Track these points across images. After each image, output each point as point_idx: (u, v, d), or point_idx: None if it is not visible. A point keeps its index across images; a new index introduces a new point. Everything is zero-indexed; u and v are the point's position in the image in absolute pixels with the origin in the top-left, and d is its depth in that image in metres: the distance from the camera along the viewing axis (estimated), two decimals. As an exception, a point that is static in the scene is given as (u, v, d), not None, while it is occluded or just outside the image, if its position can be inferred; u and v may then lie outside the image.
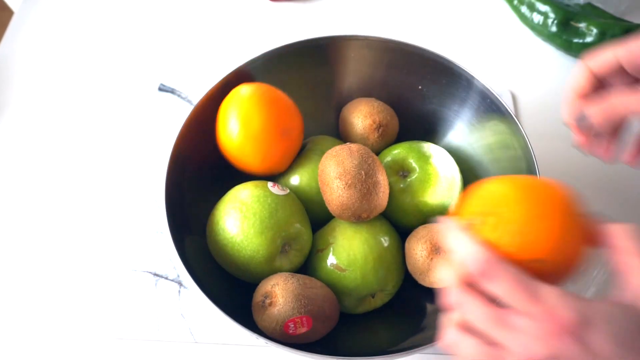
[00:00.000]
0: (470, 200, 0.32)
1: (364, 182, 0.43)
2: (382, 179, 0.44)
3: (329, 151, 0.45)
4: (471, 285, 0.29)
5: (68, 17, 0.73)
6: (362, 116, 0.51)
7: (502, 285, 0.27)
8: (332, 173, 0.43)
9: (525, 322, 0.26)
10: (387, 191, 0.45)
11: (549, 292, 0.26)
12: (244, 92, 0.47)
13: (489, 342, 0.28)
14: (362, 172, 0.43)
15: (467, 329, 0.29)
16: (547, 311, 0.26)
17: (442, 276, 0.30)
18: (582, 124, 0.37)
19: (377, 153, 0.52)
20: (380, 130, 0.51)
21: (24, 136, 0.62)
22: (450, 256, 0.30)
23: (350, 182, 0.42)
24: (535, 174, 0.44)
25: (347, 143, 0.46)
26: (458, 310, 0.29)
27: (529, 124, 0.62)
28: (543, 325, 0.26)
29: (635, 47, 0.35)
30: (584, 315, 0.25)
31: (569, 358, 0.25)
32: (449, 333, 0.30)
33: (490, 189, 0.31)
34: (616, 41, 0.36)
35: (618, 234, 0.29)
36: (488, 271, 0.27)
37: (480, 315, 0.28)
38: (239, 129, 0.46)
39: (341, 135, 0.54)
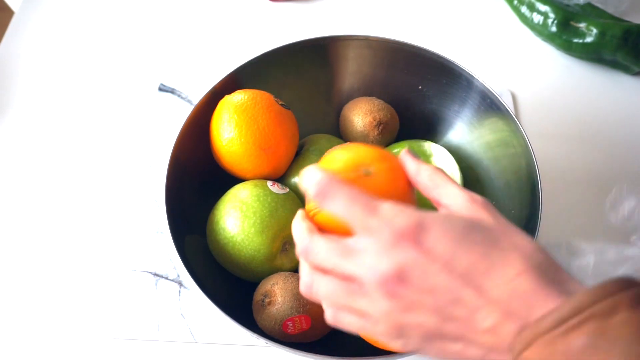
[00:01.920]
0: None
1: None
2: None
3: (330, 154, 0.45)
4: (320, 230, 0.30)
5: (68, 17, 0.73)
6: (362, 114, 0.51)
7: (340, 201, 0.28)
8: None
9: (366, 241, 0.27)
10: None
11: (385, 205, 0.27)
12: (227, 109, 0.46)
13: (343, 277, 0.28)
14: None
15: (322, 270, 0.29)
16: (384, 222, 0.27)
17: (293, 226, 0.31)
18: None
19: (378, 151, 0.52)
20: (380, 127, 0.51)
21: (24, 136, 0.62)
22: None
23: None
24: (535, 172, 0.44)
25: (348, 144, 0.46)
26: (307, 255, 0.30)
27: (528, 123, 0.62)
28: (382, 237, 0.27)
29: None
30: (417, 221, 0.27)
31: (413, 264, 0.26)
32: (302, 276, 0.30)
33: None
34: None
35: (409, 168, 0.32)
36: (326, 190, 0.28)
37: (325, 253, 0.29)
38: (224, 149, 0.46)
39: (341, 133, 0.54)
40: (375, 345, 0.39)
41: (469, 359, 0.27)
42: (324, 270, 0.29)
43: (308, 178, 0.29)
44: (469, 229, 0.27)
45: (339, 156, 0.33)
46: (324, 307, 0.30)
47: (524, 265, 0.26)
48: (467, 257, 0.26)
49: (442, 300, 0.26)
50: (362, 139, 0.51)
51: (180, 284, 0.51)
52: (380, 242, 0.27)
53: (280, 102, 0.48)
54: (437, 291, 0.26)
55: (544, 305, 0.25)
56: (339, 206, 0.28)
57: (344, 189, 0.28)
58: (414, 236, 0.26)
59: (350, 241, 0.28)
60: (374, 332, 0.29)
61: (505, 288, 0.25)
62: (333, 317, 0.30)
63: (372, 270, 0.27)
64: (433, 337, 0.27)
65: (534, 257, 0.26)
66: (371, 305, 0.28)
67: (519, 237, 0.27)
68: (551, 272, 0.26)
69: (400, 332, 0.28)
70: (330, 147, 0.48)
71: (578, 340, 0.23)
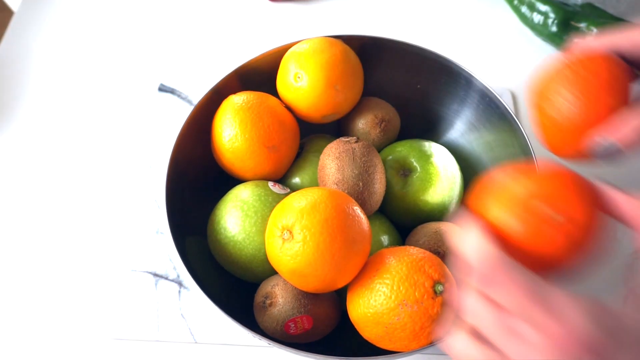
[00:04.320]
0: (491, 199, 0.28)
1: (360, 194, 0.43)
2: (379, 187, 0.44)
3: (334, 148, 0.45)
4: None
5: (68, 17, 0.73)
6: (364, 111, 0.51)
7: (506, 294, 0.23)
8: (331, 177, 0.43)
9: (532, 333, 0.23)
10: (381, 198, 0.45)
11: (563, 303, 0.22)
12: (232, 106, 0.46)
13: (493, 347, 0.25)
14: (360, 184, 0.43)
15: (474, 332, 0.26)
16: (561, 322, 0.22)
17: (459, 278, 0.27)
18: (607, 152, 0.30)
19: (379, 150, 0.52)
20: (382, 125, 0.51)
21: (24, 136, 0.62)
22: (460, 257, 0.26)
23: (346, 191, 0.42)
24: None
25: (351, 139, 0.45)
26: (467, 315, 0.26)
27: (528, 123, 0.62)
28: (554, 338, 0.22)
29: (636, 36, 0.32)
30: (609, 332, 0.21)
31: None
32: (455, 337, 0.27)
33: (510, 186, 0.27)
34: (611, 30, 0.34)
35: (621, 199, 0.25)
36: (489, 276, 0.24)
37: (488, 323, 0.25)
38: (226, 146, 0.46)
39: (342, 133, 0.54)
40: (378, 345, 0.39)
41: None
42: (475, 332, 0.26)
43: (471, 249, 0.25)
44: None
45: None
46: None
47: None
48: None
49: None
50: (364, 137, 0.51)
51: (180, 284, 0.51)
52: (552, 344, 0.22)
53: (284, 104, 0.49)
54: None
55: None
56: (503, 298, 0.24)
57: (509, 280, 0.23)
58: (603, 352, 0.21)
59: (516, 323, 0.24)
60: None
61: None
62: None
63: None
64: None
65: None
66: None
67: None
68: None
69: None
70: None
71: None
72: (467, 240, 0.25)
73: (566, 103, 0.29)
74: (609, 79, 0.29)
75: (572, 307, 0.22)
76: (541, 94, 0.32)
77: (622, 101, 0.29)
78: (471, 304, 0.25)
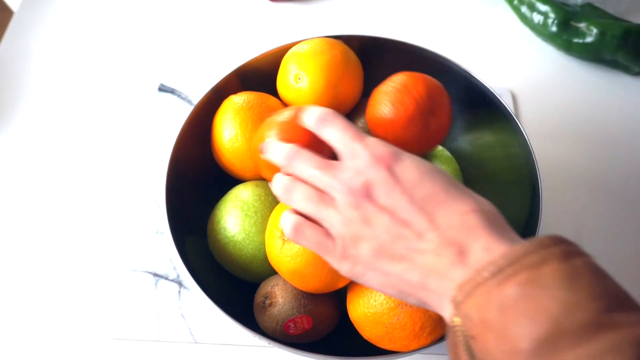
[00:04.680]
0: None
1: None
2: None
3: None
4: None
5: (68, 17, 0.73)
6: (364, 112, 0.51)
7: (336, 127, 0.33)
8: None
9: (348, 163, 0.32)
10: None
11: (371, 137, 0.33)
12: (233, 107, 0.46)
13: (317, 189, 0.33)
14: None
15: (299, 179, 0.34)
16: (367, 148, 0.32)
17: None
18: None
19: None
20: None
21: (23, 136, 0.62)
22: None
23: None
24: (535, 172, 0.44)
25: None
26: (291, 161, 0.34)
27: (528, 124, 0.62)
28: (362, 159, 0.31)
29: None
30: (394, 152, 0.32)
31: (380, 183, 0.31)
32: (282, 180, 0.34)
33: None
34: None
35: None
36: (326, 117, 0.34)
37: (309, 162, 0.33)
38: (226, 146, 0.46)
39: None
40: (378, 345, 0.39)
41: (407, 283, 0.30)
42: (301, 180, 0.33)
43: (312, 109, 0.35)
44: (436, 169, 0.31)
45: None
46: (289, 220, 0.33)
47: (476, 207, 0.29)
48: (429, 188, 0.30)
49: (397, 219, 0.30)
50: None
51: (180, 284, 0.51)
52: (360, 163, 0.31)
53: (284, 104, 0.49)
54: (394, 211, 0.30)
55: (485, 241, 0.27)
56: (334, 131, 0.33)
57: (341, 118, 0.34)
58: (388, 162, 0.31)
59: (334, 162, 0.33)
60: (329, 249, 0.32)
61: (454, 219, 0.29)
62: (296, 229, 0.33)
63: (346, 183, 0.31)
64: (380, 254, 0.30)
65: (485, 205, 0.30)
66: (335, 216, 0.31)
67: (472, 191, 0.31)
68: (497, 221, 0.29)
69: (353, 246, 0.31)
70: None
71: (511, 289, 0.25)
72: (312, 107, 0.35)
73: (386, 108, 0.42)
74: (418, 95, 0.42)
75: (372, 139, 0.32)
76: (373, 101, 0.44)
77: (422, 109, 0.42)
78: (295, 154, 0.34)
